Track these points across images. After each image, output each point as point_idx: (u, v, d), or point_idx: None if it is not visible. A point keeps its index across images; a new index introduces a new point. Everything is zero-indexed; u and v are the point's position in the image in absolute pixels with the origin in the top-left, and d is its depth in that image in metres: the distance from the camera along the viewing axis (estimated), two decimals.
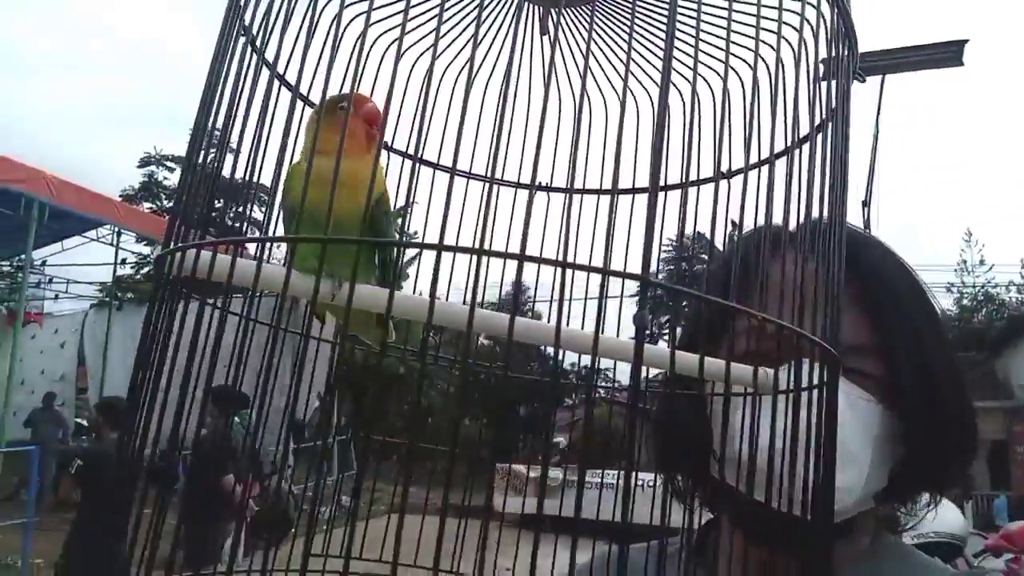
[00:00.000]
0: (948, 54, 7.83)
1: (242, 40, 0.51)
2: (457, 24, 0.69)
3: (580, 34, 0.71)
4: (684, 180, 0.42)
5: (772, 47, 0.49)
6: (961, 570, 1.19)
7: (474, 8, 0.68)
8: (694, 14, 0.50)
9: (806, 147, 0.51)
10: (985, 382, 15.52)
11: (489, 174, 0.41)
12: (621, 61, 0.70)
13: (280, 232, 0.60)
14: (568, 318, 0.63)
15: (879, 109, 7.94)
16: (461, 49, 0.70)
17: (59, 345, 11.70)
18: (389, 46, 0.66)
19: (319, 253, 0.41)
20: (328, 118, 0.55)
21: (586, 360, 0.50)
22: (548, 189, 0.73)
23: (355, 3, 0.52)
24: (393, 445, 0.80)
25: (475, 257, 0.39)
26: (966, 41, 7.74)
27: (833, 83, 0.53)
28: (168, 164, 23.39)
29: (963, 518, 5.06)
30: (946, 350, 0.73)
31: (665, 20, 0.63)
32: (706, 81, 0.62)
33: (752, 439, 0.44)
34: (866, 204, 7.72)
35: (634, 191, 0.71)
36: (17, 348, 8.28)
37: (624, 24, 0.68)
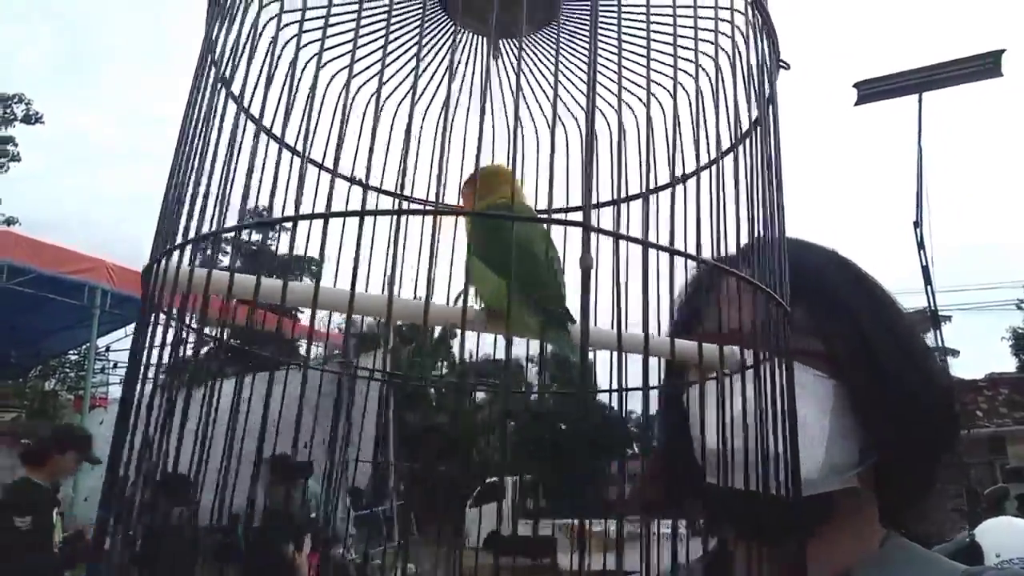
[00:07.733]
0: (984, 66, 7.67)
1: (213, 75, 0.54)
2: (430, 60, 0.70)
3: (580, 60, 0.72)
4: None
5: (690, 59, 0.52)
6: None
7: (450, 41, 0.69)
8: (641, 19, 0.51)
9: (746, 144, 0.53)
10: None
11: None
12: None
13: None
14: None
15: (920, 128, 7.79)
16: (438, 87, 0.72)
17: None
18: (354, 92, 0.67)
19: None
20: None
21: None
22: (565, 212, 0.73)
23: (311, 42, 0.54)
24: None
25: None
26: (1003, 51, 7.59)
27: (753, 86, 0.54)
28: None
29: None
30: (891, 329, 0.76)
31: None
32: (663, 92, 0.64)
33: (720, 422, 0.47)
34: (917, 224, 7.50)
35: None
36: None
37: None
